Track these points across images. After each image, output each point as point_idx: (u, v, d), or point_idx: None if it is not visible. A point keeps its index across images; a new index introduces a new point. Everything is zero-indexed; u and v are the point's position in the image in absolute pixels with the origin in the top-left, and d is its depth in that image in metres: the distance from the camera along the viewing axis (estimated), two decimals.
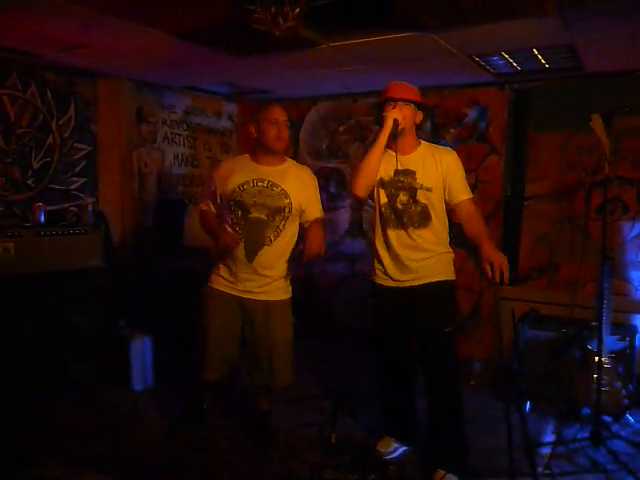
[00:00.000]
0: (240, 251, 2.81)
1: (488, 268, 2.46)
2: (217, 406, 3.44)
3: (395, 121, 2.61)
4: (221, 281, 2.93)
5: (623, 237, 4.04)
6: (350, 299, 5.12)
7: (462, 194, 2.70)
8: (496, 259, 2.45)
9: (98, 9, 2.74)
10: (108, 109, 4.41)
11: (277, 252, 2.86)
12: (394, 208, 2.72)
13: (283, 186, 2.81)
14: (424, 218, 2.71)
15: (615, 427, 3.24)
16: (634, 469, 2.77)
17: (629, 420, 3.33)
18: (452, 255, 2.81)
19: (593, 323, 3.30)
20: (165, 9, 2.77)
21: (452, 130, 4.60)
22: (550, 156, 4.28)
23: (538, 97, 4.31)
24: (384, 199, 2.75)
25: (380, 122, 2.70)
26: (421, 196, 2.69)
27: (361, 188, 2.70)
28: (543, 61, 3.63)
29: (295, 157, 5.14)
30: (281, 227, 2.83)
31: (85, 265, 3.80)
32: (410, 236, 2.71)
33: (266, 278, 2.87)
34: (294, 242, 2.94)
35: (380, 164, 2.69)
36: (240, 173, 2.83)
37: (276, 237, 2.83)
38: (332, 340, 4.92)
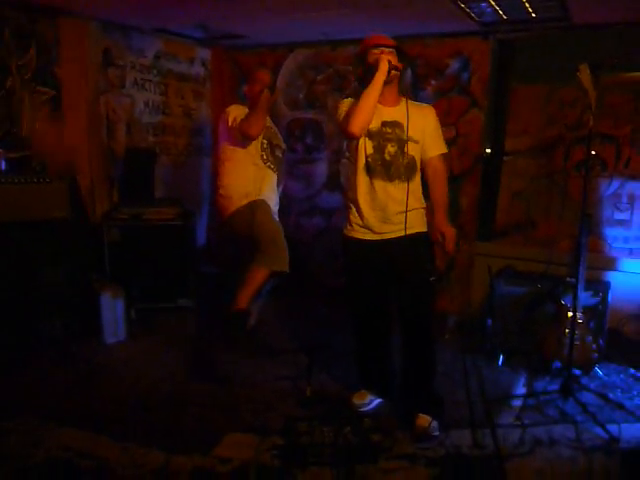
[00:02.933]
0: None
1: (439, 237, 2.68)
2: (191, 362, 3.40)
3: (389, 63, 2.56)
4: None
5: (600, 194, 4.03)
6: (326, 254, 5.07)
7: (435, 149, 2.74)
8: (447, 231, 2.66)
9: None
10: (72, 50, 4.13)
11: None
12: (382, 159, 2.69)
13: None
14: (411, 170, 2.72)
15: (584, 380, 3.30)
16: (602, 420, 2.82)
17: (598, 373, 3.40)
18: (425, 209, 2.86)
19: (568, 279, 3.31)
20: None
21: (433, 82, 4.46)
22: (531, 110, 4.20)
23: (522, 48, 4.19)
24: (370, 150, 2.71)
25: (365, 73, 2.64)
26: (410, 148, 2.70)
27: (359, 124, 2.59)
28: (530, 9, 3.50)
29: (271, 107, 4.96)
30: None
31: (50, 216, 3.64)
32: (396, 188, 2.70)
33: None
34: None
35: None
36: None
37: None
38: (307, 295, 4.89)
